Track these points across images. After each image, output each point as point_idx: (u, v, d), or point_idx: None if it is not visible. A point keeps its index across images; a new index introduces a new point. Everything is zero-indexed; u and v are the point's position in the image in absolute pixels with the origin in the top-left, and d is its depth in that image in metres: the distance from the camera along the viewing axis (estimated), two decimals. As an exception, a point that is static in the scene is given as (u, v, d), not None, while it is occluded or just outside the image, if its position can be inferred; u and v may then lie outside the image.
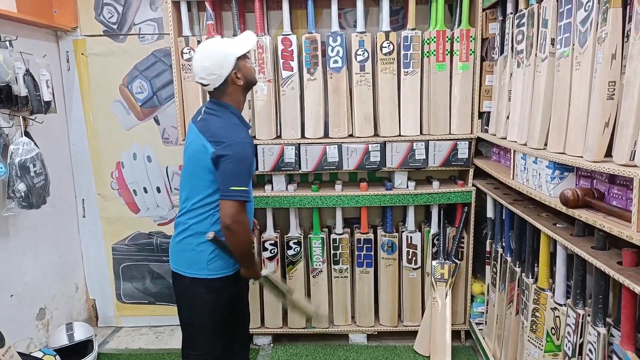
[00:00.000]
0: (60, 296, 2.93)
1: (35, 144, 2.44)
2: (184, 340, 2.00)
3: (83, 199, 3.13)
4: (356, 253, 2.85)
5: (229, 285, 1.93)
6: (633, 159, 1.31)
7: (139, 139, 3.05)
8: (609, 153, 1.46)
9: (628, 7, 1.41)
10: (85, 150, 3.06)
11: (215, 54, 1.82)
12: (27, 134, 2.45)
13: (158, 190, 3.11)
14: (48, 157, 2.53)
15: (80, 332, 2.75)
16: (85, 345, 2.74)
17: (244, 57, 1.88)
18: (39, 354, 2.48)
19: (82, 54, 2.95)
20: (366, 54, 2.62)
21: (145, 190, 3.11)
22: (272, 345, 2.93)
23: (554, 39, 1.77)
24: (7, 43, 2.31)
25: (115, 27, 2.92)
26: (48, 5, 2.74)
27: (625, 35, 1.42)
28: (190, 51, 2.64)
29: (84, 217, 3.14)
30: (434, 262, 2.78)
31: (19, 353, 2.24)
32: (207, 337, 1.92)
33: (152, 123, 3.03)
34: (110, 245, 3.18)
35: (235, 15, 2.64)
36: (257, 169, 2.69)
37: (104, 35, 2.93)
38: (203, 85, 1.86)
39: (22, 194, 2.32)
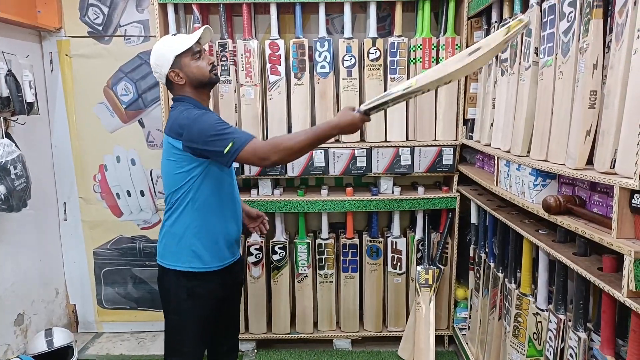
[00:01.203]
0: (39, 301, 2.87)
1: (16, 145, 2.40)
2: (168, 347, 1.95)
3: (65, 202, 3.07)
4: (341, 258, 2.85)
5: (215, 292, 1.87)
6: (613, 167, 1.33)
7: (123, 142, 3.02)
8: (590, 161, 1.49)
9: (609, 18, 1.44)
10: (67, 153, 3.01)
11: (155, 52, 1.82)
12: (8, 136, 2.41)
13: (142, 193, 3.07)
14: (29, 159, 2.49)
15: (60, 338, 2.68)
16: (65, 352, 2.68)
17: (191, 54, 1.78)
18: (16, 361, 2.42)
19: (67, 55, 2.91)
20: (353, 60, 2.64)
21: (129, 194, 3.07)
22: (256, 351, 2.91)
23: (537, 48, 1.81)
24: (-11, 43, 2.27)
25: (100, 28, 2.89)
26: (32, 5, 2.70)
27: (606, 45, 1.45)
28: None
29: (66, 220, 3.09)
30: (418, 268, 2.79)
31: (-4, 359, 2.19)
32: (191, 344, 1.88)
33: (136, 126, 3.00)
34: (92, 249, 3.13)
35: (222, 19, 2.64)
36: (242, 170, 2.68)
37: (89, 37, 2.90)
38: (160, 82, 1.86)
39: (2, 196, 2.27)
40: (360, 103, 2.66)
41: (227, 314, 2.05)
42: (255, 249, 2.80)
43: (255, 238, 2.81)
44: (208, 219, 1.83)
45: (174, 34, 1.85)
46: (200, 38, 1.83)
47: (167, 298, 1.90)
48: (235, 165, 2.60)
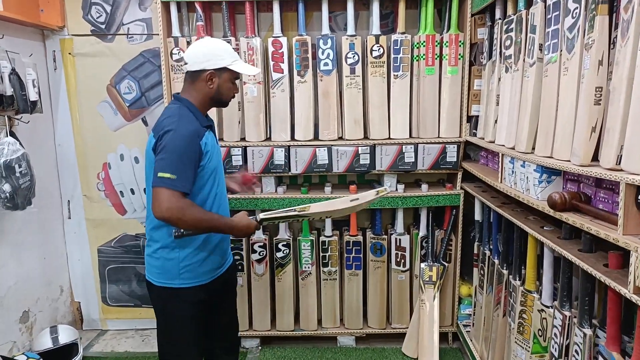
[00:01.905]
0: (44, 299, 2.88)
1: (20, 144, 2.40)
2: (160, 346, 1.94)
3: (68, 200, 3.08)
4: (345, 255, 2.85)
5: (202, 293, 1.85)
6: (619, 164, 1.33)
7: (126, 140, 3.02)
8: (595, 157, 1.48)
9: (614, 14, 1.44)
10: (71, 151, 3.02)
11: (215, 48, 1.80)
12: (12, 134, 2.41)
13: (145, 192, 3.07)
14: (33, 158, 2.49)
15: (65, 336, 2.70)
16: (70, 349, 2.70)
17: (233, 76, 1.83)
18: (22, 358, 2.43)
19: (70, 53, 2.91)
20: (356, 57, 2.63)
21: (132, 192, 3.08)
22: (260, 347, 2.92)
23: (541, 44, 1.80)
24: (-7, 41, 2.27)
25: (103, 26, 2.89)
26: (34, 4, 2.70)
27: (612, 42, 1.45)
28: (179, 52, 2.63)
29: (70, 218, 3.10)
30: (422, 265, 2.80)
31: (2, 357, 2.20)
32: (181, 345, 1.87)
33: (139, 124, 3.00)
34: (96, 247, 3.13)
35: (225, 17, 2.64)
36: (241, 168, 2.68)
37: (92, 35, 2.90)
38: (185, 63, 1.82)
39: (7, 194, 2.28)
40: (364, 101, 2.68)
41: (221, 316, 2.03)
42: (259, 246, 2.81)
43: (259, 235, 2.81)
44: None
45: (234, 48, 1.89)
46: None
47: (154, 301, 1.90)
48: (239, 162, 2.63)
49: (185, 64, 1.81)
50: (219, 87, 1.80)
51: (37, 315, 2.81)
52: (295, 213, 1.85)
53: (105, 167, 3.05)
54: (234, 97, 1.90)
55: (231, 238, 2.10)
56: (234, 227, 1.78)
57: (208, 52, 1.78)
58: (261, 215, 1.82)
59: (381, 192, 1.94)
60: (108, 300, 3.19)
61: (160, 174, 1.63)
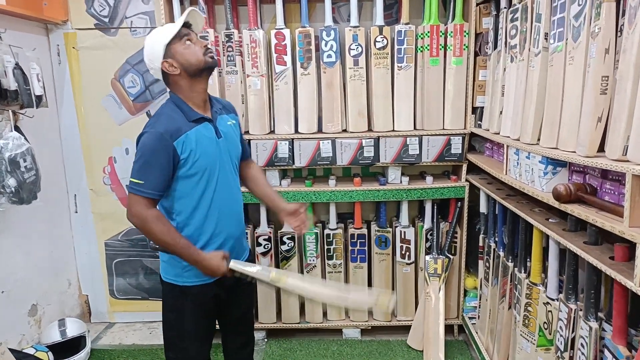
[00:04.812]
0: (52, 292, 2.91)
1: (25, 138, 2.41)
2: (166, 343, 1.90)
3: (75, 194, 3.10)
4: (350, 248, 2.85)
5: (209, 290, 1.79)
6: (625, 154, 1.31)
7: (131, 134, 3.01)
8: (601, 148, 1.46)
9: (621, 1, 1.41)
10: (76, 145, 3.03)
11: (146, 47, 1.71)
12: (17, 129, 2.42)
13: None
14: (39, 152, 2.50)
15: (73, 328, 2.73)
16: (78, 341, 2.73)
17: (180, 40, 1.66)
18: (31, 351, 2.46)
19: (73, 47, 2.91)
20: (360, 49, 2.61)
21: (138, 186, 3.08)
22: (266, 340, 2.93)
23: (547, 33, 1.77)
24: (-4, 36, 2.28)
25: (106, 20, 2.89)
26: (38, -2, 2.70)
27: (619, 29, 1.42)
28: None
29: (76, 212, 3.12)
30: (427, 257, 2.78)
31: (11, 350, 2.23)
32: (188, 341, 1.84)
33: (144, 118, 3.00)
34: (103, 240, 3.16)
35: (227, 9, 2.62)
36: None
37: (95, 29, 2.90)
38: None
39: (13, 189, 2.29)
40: (368, 93, 2.65)
41: (233, 311, 1.97)
42: (264, 239, 2.81)
43: (264, 228, 2.81)
44: (188, 229, 1.73)
45: (162, 25, 1.76)
46: (190, 24, 1.73)
47: (164, 294, 1.87)
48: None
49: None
50: (182, 62, 1.66)
51: (46, 308, 2.84)
52: (268, 280, 1.69)
53: (110, 161, 3.07)
54: (207, 51, 1.69)
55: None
56: (199, 262, 1.66)
57: (148, 56, 1.70)
58: (232, 264, 1.69)
59: (380, 304, 1.67)
60: (115, 293, 3.22)
61: (130, 179, 1.61)
